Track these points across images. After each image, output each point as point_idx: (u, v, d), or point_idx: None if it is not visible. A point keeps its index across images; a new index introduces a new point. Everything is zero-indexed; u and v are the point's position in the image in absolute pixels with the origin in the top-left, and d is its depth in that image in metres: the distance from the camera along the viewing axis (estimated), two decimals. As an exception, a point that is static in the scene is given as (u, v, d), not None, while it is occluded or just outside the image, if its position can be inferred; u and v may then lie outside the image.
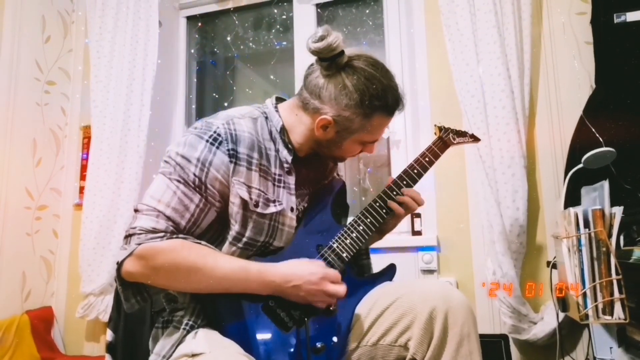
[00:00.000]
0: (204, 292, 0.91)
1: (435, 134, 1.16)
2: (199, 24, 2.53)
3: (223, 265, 0.89)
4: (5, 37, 2.12)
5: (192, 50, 2.53)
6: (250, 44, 2.46)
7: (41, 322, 2.12)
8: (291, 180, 1.02)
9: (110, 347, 1.08)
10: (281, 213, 0.98)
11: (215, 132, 0.94)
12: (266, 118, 1.02)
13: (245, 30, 2.46)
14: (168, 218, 0.89)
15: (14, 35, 2.15)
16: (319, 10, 2.28)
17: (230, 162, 0.93)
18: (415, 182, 1.09)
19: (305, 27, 2.25)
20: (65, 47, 2.40)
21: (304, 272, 0.91)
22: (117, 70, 2.15)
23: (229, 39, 2.48)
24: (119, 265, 0.88)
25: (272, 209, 0.97)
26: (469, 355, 0.90)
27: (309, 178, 1.09)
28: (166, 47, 2.33)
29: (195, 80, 2.53)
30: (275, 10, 2.38)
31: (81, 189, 2.24)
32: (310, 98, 0.98)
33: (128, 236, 0.89)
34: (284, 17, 2.36)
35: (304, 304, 0.91)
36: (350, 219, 1.06)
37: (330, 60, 0.95)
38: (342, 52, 0.95)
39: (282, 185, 1.01)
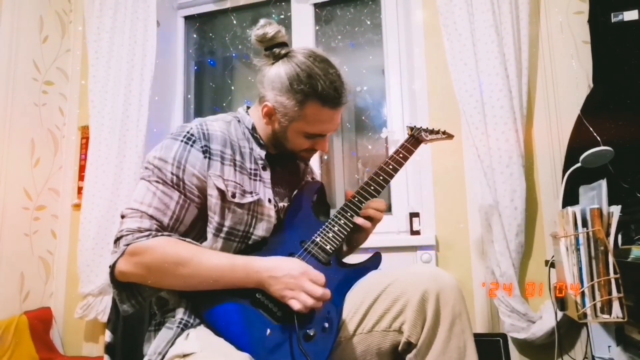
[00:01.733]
0: (193, 288, 0.93)
1: (408, 134, 1.23)
2: (197, 24, 2.53)
3: (210, 258, 0.92)
4: (2, 37, 2.12)
5: (190, 50, 2.53)
6: (249, 43, 2.46)
7: (40, 322, 2.11)
8: (266, 175, 1.06)
9: (109, 348, 1.09)
10: (258, 203, 1.01)
11: (188, 132, 0.99)
12: (238, 121, 1.08)
13: (244, 30, 2.46)
14: (151, 217, 0.94)
15: (11, 35, 2.14)
16: (317, 9, 2.28)
17: (205, 157, 0.97)
18: (391, 177, 1.14)
19: (304, 27, 2.25)
20: (63, 47, 2.39)
21: (285, 266, 0.92)
22: (115, 70, 2.15)
23: (227, 38, 2.48)
24: (112, 268, 0.92)
25: (248, 198, 1.00)
26: (462, 334, 0.92)
27: (284, 178, 1.13)
28: (164, 47, 2.33)
29: (193, 80, 2.52)
30: (274, 10, 2.38)
31: (79, 190, 2.23)
32: (260, 88, 1.05)
33: (117, 240, 0.94)
34: (282, 16, 2.36)
35: (280, 300, 0.90)
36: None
37: (270, 50, 1.02)
38: (284, 44, 1.02)
39: (258, 178, 1.04)
